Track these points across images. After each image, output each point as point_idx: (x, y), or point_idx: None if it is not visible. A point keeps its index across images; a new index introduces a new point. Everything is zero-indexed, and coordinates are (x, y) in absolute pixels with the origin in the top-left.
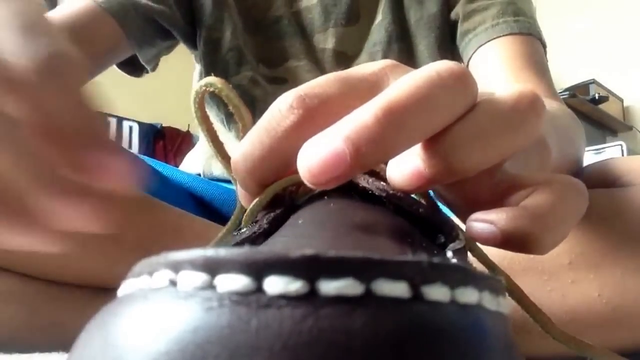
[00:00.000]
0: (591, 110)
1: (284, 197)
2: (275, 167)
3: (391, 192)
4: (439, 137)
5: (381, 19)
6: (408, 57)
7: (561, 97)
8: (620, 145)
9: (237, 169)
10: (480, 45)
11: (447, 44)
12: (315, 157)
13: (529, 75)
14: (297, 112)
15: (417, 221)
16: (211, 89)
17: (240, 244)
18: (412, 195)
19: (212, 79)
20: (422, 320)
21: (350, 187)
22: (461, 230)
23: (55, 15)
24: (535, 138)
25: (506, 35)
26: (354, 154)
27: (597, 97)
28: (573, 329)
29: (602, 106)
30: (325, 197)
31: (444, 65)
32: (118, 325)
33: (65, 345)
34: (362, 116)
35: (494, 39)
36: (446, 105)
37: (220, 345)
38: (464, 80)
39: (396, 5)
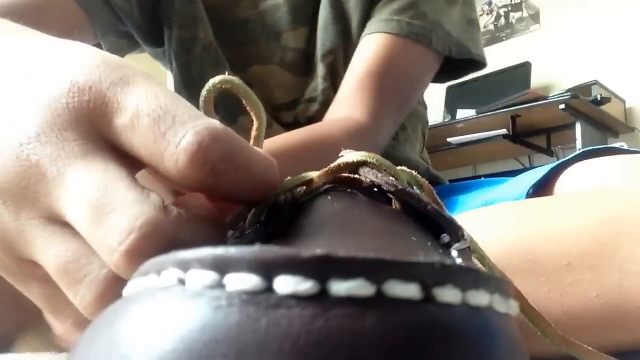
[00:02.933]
0: (593, 111)
1: (287, 200)
2: None
3: (400, 187)
4: None
5: (322, 7)
6: (344, 38)
7: (563, 98)
8: (622, 146)
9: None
10: (367, 35)
11: None
12: None
13: (368, 84)
14: None
15: (422, 219)
16: (228, 86)
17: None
18: (420, 192)
19: (227, 77)
20: (433, 322)
21: (356, 184)
22: (466, 231)
23: None
24: None
25: (388, 33)
26: None
27: (599, 99)
28: (571, 330)
29: (604, 107)
30: (329, 197)
31: None
32: (125, 324)
33: (58, 345)
34: None
35: (375, 33)
36: None
37: (228, 344)
38: None
39: None
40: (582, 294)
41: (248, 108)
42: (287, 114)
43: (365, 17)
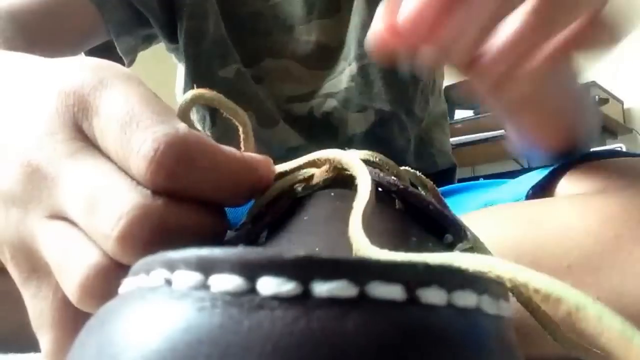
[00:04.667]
0: None
1: (288, 195)
2: None
3: (401, 186)
4: None
5: (356, 3)
6: None
7: None
8: (620, 147)
9: None
10: None
11: None
12: None
13: None
14: None
15: (425, 219)
16: (201, 102)
17: (243, 239)
18: (422, 192)
19: (198, 91)
20: (416, 324)
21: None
22: (469, 230)
23: None
24: None
25: None
26: None
27: (597, 99)
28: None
29: (602, 108)
30: (332, 194)
31: None
32: (115, 323)
33: None
34: None
35: None
36: None
37: (211, 345)
38: None
39: None
40: None
41: (229, 116)
42: (300, 105)
43: None
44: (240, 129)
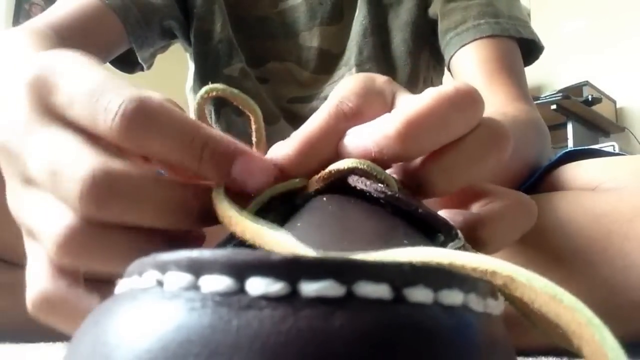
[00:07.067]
0: (584, 111)
1: (281, 199)
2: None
3: (389, 193)
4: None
5: (358, 12)
6: (383, 51)
7: (554, 98)
8: (613, 146)
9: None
10: (463, 45)
11: (423, 40)
12: (352, 146)
13: (501, 79)
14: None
15: (415, 221)
16: (213, 94)
17: (236, 246)
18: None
19: (212, 85)
20: (403, 321)
21: (349, 188)
22: (459, 230)
23: (59, 9)
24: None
25: (487, 37)
26: (377, 154)
27: (590, 99)
28: None
29: (595, 107)
30: (325, 199)
31: (462, 87)
32: (108, 324)
33: (66, 336)
34: (386, 128)
35: (477, 39)
36: (457, 125)
37: (200, 344)
38: (476, 104)
39: None
40: (574, 290)
41: (240, 107)
42: (301, 106)
43: (412, 37)
44: (252, 119)
